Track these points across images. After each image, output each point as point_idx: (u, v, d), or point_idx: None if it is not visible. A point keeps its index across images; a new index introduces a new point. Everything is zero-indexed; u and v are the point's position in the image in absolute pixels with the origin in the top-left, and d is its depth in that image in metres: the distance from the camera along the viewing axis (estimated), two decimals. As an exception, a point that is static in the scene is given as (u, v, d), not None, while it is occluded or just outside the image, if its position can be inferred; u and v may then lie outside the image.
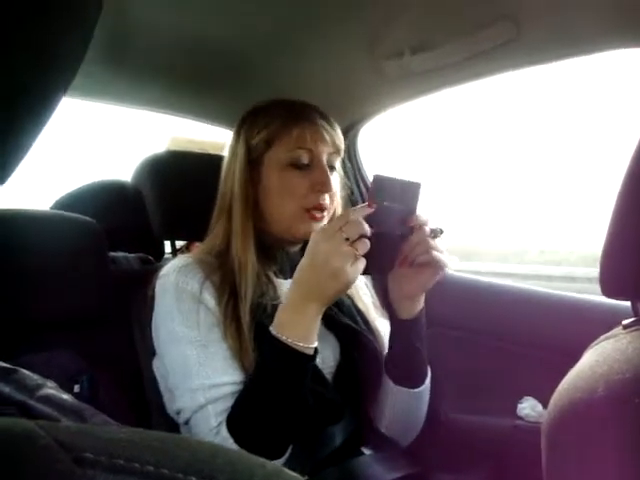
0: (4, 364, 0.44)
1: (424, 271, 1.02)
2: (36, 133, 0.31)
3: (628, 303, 0.63)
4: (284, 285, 1.13)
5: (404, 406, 1.15)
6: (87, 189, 1.62)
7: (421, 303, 1.09)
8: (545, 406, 0.59)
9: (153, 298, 1.09)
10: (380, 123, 1.75)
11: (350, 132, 1.71)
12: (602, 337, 0.61)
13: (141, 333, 1.21)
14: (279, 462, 0.98)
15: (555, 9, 1.06)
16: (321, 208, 1.10)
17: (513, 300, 1.53)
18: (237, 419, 0.98)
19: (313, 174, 1.10)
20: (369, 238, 0.93)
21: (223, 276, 1.07)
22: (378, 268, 1.03)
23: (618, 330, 0.60)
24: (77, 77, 1.28)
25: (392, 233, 1.00)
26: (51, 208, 1.56)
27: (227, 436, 0.96)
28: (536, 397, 1.34)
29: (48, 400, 0.44)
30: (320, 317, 0.97)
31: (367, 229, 0.92)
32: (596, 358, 0.55)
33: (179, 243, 1.73)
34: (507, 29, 1.11)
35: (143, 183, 1.55)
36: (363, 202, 1.78)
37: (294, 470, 0.28)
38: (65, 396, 0.47)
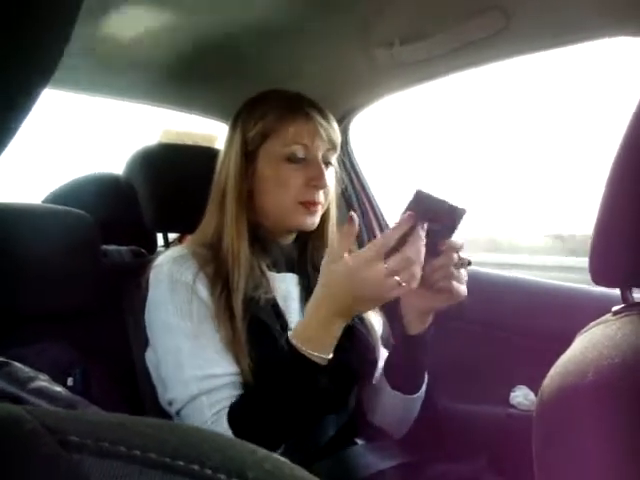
0: (-4, 357, 0.44)
1: (439, 295, 1.01)
2: (16, 126, 0.31)
3: (618, 290, 0.63)
4: (277, 279, 1.14)
5: (397, 407, 1.16)
6: (79, 182, 1.61)
7: (429, 321, 1.08)
8: (537, 394, 0.59)
9: (146, 289, 1.09)
10: (374, 113, 1.76)
11: (342, 123, 1.71)
12: (592, 324, 0.61)
13: (134, 325, 1.21)
14: None
15: (545, -2, 1.07)
16: (314, 203, 1.11)
17: (506, 289, 1.53)
18: (241, 415, 0.98)
19: (308, 169, 1.10)
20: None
21: (216, 268, 1.07)
22: None
23: (608, 317, 0.61)
24: (69, 71, 1.28)
25: (428, 255, 0.97)
26: (43, 201, 1.55)
27: (225, 428, 0.96)
28: (529, 386, 1.35)
29: (40, 393, 0.44)
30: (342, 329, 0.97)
31: (414, 260, 0.90)
32: (586, 344, 0.56)
33: (171, 236, 1.72)
34: (497, 18, 1.11)
35: (135, 176, 1.54)
36: (355, 194, 1.80)
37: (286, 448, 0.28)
38: (58, 388, 0.47)
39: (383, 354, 1.20)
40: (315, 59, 1.42)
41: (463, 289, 1.00)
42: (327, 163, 1.14)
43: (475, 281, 1.58)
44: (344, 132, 1.76)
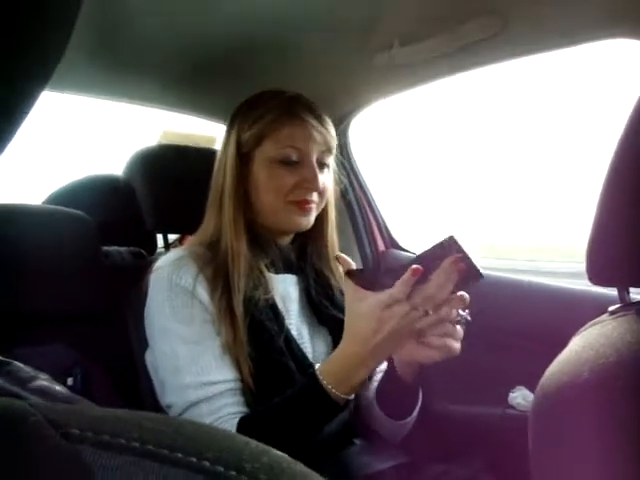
0: (-3, 357, 0.44)
1: (429, 350, 0.95)
2: (15, 127, 0.31)
3: (615, 291, 0.64)
4: (276, 279, 1.14)
5: (389, 427, 1.16)
6: (79, 183, 1.62)
7: (417, 371, 1.05)
8: (535, 394, 0.60)
9: (147, 291, 1.09)
10: (372, 115, 1.76)
11: (341, 124, 1.71)
12: (589, 323, 0.62)
13: (135, 327, 1.21)
14: None
15: (541, 2, 1.07)
16: (306, 202, 1.11)
17: (503, 290, 1.53)
18: (251, 430, 0.96)
19: (301, 171, 1.10)
20: None
21: (216, 269, 1.07)
22: None
23: (605, 316, 0.61)
24: (68, 72, 1.28)
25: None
26: (44, 203, 1.56)
27: None
28: (528, 386, 1.35)
29: (41, 391, 0.44)
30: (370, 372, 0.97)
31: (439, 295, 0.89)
32: (582, 343, 0.56)
33: (172, 237, 1.73)
34: (494, 21, 1.12)
35: (135, 177, 1.55)
36: (355, 195, 1.81)
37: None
38: (58, 387, 0.47)
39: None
40: (314, 61, 1.42)
41: (456, 347, 0.94)
42: (323, 165, 1.15)
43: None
44: (343, 134, 1.76)
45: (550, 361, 0.60)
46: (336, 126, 1.23)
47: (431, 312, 0.89)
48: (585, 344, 0.56)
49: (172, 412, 1.02)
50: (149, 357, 1.12)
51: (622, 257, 0.59)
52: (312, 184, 1.10)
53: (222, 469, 0.24)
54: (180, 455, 0.24)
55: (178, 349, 1.02)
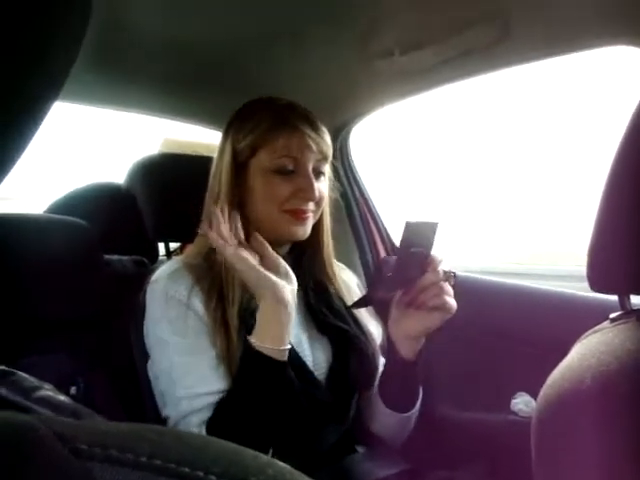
0: (1, 367, 0.45)
1: (431, 314, 1.02)
2: (29, 137, 0.31)
3: (616, 297, 0.64)
4: None
5: (392, 423, 1.17)
6: (81, 192, 1.62)
7: (421, 344, 1.09)
8: (537, 401, 0.60)
9: (145, 303, 1.10)
10: (375, 123, 1.76)
11: (341, 132, 1.71)
12: (590, 331, 0.62)
13: (136, 336, 1.21)
14: None
15: (545, 7, 1.07)
16: (302, 212, 1.11)
17: (505, 296, 1.53)
18: (216, 426, 0.98)
19: (297, 181, 1.10)
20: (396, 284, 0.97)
21: (212, 280, 1.07)
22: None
23: (605, 324, 0.61)
24: (69, 82, 1.28)
25: (414, 277, 1.01)
26: (45, 212, 1.56)
27: None
28: (530, 392, 1.35)
29: (45, 401, 0.44)
30: (291, 321, 1.00)
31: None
32: (584, 351, 0.56)
33: (173, 245, 1.73)
34: (497, 28, 1.12)
35: (136, 186, 1.55)
36: (356, 203, 1.81)
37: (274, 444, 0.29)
38: (62, 397, 0.47)
39: (382, 363, 1.20)
40: (315, 68, 1.42)
41: (454, 302, 1.01)
42: (319, 174, 1.14)
43: (474, 288, 1.59)
44: (344, 141, 1.77)
45: (552, 367, 0.60)
46: (336, 134, 1.23)
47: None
48: (586, 352, 0.56)
49: (169, 424, 1.03)
50: (150, 368, 1.12)
51: (623, 264, 0.60)
52: (308, 194, 1.10)
53: None
54: (187, 470, 0.25)
55: (173, 361, 1.02)
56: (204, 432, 0.98)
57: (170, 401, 1.02)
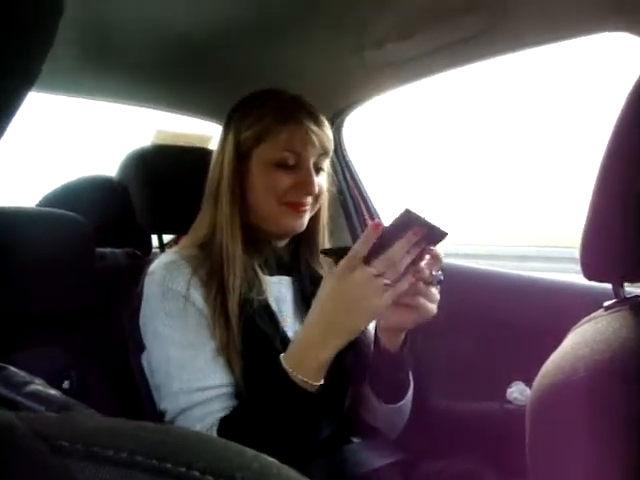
0: (-8, 362, 0.44)
1: (405, 311, 0.97)
2: (2, 130, 0.31)
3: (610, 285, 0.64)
4: (271, 281, 1.14)
5: (385, 413, 1.16)
6: (73, 185, 1.61)
7: (401, 339, 1.06)
8: (532, 390, 0.60)
9: (141, 294, 1.09)
10: (366, 112, 1.76)
11: (335, 121, 1.71)
12: (584, 319, 0.61)
13: (130, 329, 1.21)
14: None
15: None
16: (301, 204, 1.11)
17: (501, 284, 1.54)
18: (231, 430, 0.97)
19: (298, 175, 1.10)
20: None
21: (210, 269, 1.07)
22: None
23: (600, 312, 0.61)
24: (61, 73, 1.28)
25: None
26: (37, 205, 1.55)
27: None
28: (526, 381, 1.36)
29: (35, 396, 0.44)
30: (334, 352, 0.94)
31: (397, 259, 0.88)
32: (577, 340, 0.56)
33: (167, 237, 1.72)
34: (487, 16, 1.12)
35: (129, 177, 1.54)
36: (349, 192, 1.81)
37: (280, 461, 0.28)
38: (52, 392, 0.47)
39: None
40: (307, 59, 1.42)
41: (432, 307, 0.97)
42: (319, 169, 1.14)
43: (469, 277, 1.59)
44: (337, 131, 1.76)
45: (547, 356, 0.60)
46: (330, 124, 1.22)
47: (390, 282, 0.89)
48: (580, 341, 0.56)
49: (166, 418, 1.03)
50: (145, 360, 1.12)
51: (616, 252, 0.59)
52: (308, 188, 1.10)
53: (212, 478, 0.24)
54: (169, 465, 0.24)
55: (171, 354, 1.02)
56: (207, 427, 0.98)
57: (167, 395, 1.02)
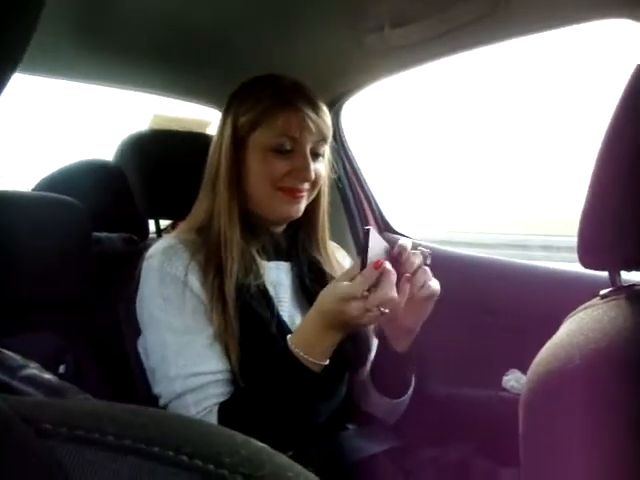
0: (-14, 346, 0.44)
1: (423, 304, 1.01)
2: None
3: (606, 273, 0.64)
4: (268, 266, 1.14)
5: (385, 407, 1.17)
6: (69, 169, 1.60)
7: (415, 333, 1.08)
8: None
9: (139, 278, 1.09)
10: (365, 98, 1.75)
11: (333, 107, 1.70)
12: (580, 307, 0.62)
13: (126, 314, 1.21)
14: None
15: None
16: (297, 190, 1.11)
17: (497, 272, 1.54)
18: (231, 413, 0.98)
19: (294, 160, 1.10)
20: None
21: (208, 254, 1.07)
22: None
23: (596, 300, 0.61)
24: (58, 57, 1.27)
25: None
26: (33, 189, 1.54)
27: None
28: (521, 369, 1.36)
29: (30, 380, 0.44)
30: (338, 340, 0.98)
31: (391, 294, 0.91)
32: (573, 328, 0.56)
33: (164, 222, 1.72)
34: (488, 1, 1.10)
35: (126, 162, 1.53)
36: (347, 178, 1.80)
37: (276, 446, 0.28)
38: (47, 376, 0.47)
39: (375, 343, 1.20)
40: (306, 44, 1.41)
41: (437, 284, 1.00)
42: (317, 155, 1.14)
43: (466, 265, 1.59)
44: (336, 117, 1.76)
45: (543, 343, 0.60)
46: (328, 109, 1.22)
47: (387, 311, 0.91)
48: (576, 329, 0.56)
49: (161, 402, 1.03)
50: (141, 345, 1.12)
51: (613, 240, 0.59)
52: (304, 174, 1.10)
53: (200, 463, 0.24)
54: (157, 449, 0.24)
55: (167, 339, 1.02)
56: (202, 412, 0.98)
57: (162, 379, 1.02)
